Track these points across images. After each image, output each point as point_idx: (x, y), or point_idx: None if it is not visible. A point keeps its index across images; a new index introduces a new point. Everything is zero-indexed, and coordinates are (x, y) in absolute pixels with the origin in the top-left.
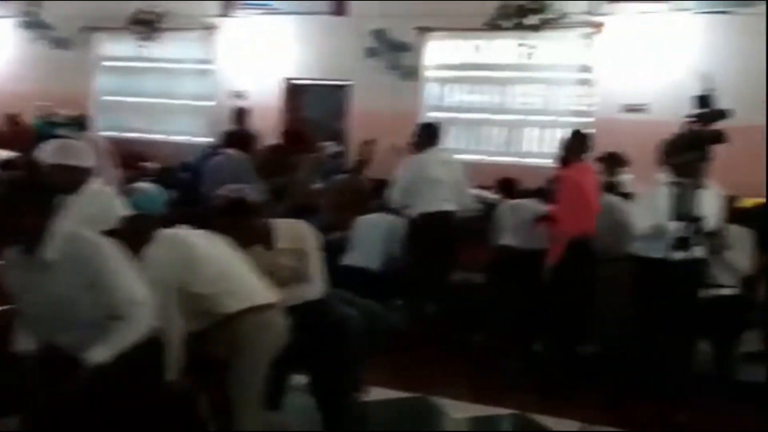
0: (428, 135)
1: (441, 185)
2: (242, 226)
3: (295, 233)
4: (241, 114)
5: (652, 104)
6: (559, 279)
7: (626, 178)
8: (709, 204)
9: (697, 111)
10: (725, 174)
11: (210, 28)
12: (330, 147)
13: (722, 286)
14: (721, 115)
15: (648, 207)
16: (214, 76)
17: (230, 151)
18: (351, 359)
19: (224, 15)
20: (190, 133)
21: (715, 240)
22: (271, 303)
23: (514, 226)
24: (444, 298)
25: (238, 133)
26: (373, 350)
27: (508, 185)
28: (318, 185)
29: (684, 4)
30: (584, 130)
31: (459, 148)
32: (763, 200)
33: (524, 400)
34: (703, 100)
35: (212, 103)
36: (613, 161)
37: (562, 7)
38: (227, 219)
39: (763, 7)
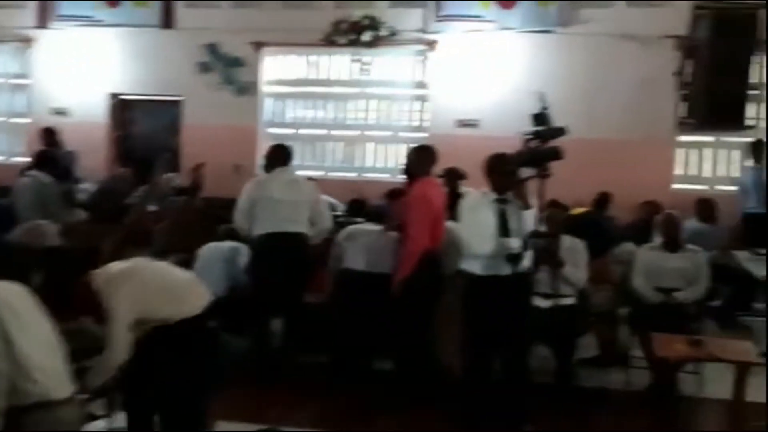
0: (277, 156)
1: (284, 206)
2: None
3: (106, 286)
4: (48, 133)
5: (483, 119)
6: (411, 293)
7: (466, 192)
8: (537, 218)
9: (535, 128)
10: (553, 186)
11: (26, 40)
12: (174, 178)
13: (559, 296)
14: (558, 132)
15: (480, 224)
16: (31, 91)
17: (36, 173)
18: (198, 398)
19: (42, 27)
20: (6, 153)
21: (546, 253)
22: (61, 399)
23: (358, 250)
24: (291, 321)
25: (45, 154)
26: (222, 383)
27: (358, 205)
28: (152, 208)
29: (509, 24)
30: (429, 145)
31: (299, 164)
32: (587, 209)
33: (378, 422)
34: (540, 118)
35: (29, 120)
36: (454, 176)
37: (396, 24)
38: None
39: (584, 27)
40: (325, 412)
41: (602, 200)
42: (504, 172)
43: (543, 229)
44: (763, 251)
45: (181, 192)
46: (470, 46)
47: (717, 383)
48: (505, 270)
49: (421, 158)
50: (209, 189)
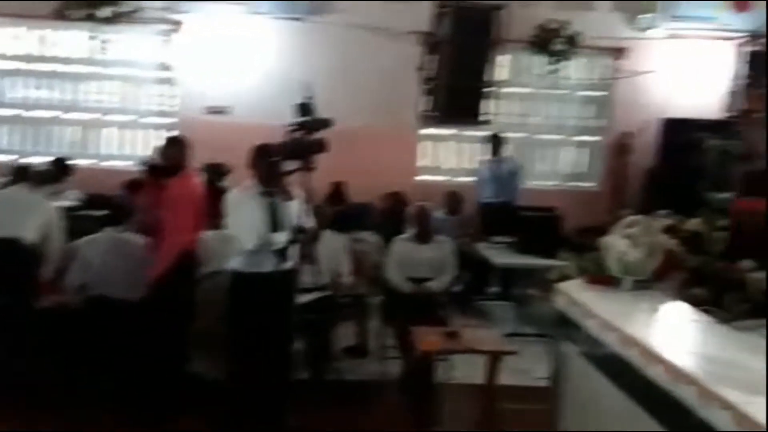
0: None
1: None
2: None
3: None
4: None
5: (234, 106)
6: (168, 294)
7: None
8: (301, 211)
9: (300, 119)
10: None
11: None
12: None
13: (316, 289)
14: (324, 123)
15: (247, 218)
16: None
17: None
18: None
19: None
20: None
21: (310, 246)
22: None
23: (101, 268)
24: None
25: None
26: None
27: (99, 200)
28: None
29: (260, 8)
30: (182, 136)
31: (26, 149)
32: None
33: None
34: (304, 108)
35: None
36: (216, 171)
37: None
38: None
39: (335, 16)
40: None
41: (337, 191)
42: (269, 164)
43: (312, 221)
44: (498, 239)
45: None
46: (219, 28)
47: (465, 368)
48: (272, 266)
49: (175, 151)
50: None
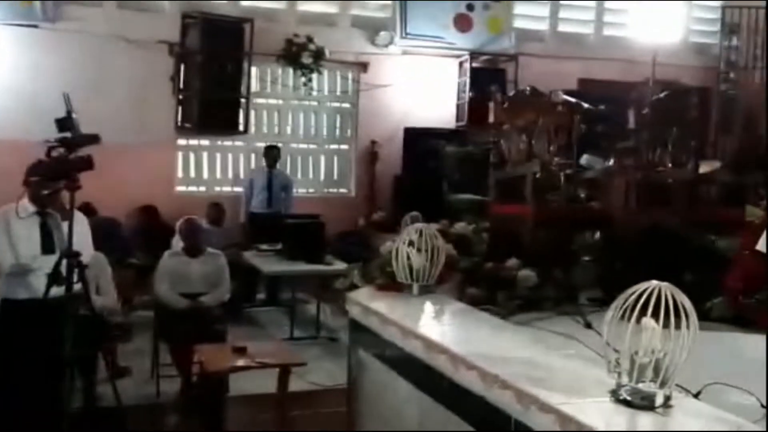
0: None
1: None
2: None
3: None
4: None
5: None
6: None
7: None
8: (79, 233)
9: (60, 135)
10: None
11: None
12: None
13: (85, 312)
14: (90, 140)
15: (6, 240)
16: None
17: None
18: None
19: None
20: None
21: (83, 268)
22: None
23: None
24: None
25: None
26: None
27: None
28: None
29: None
30: None
31: None
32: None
33: None
34: (65, 123)
35: None
36: None
37: None
38: None
39: (73, 24)
40: None
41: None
42: (35, 183)
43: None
44: (265, 247)
45: None
46: None
47: (253, 378)
48: (41, 290)
49: None
50: None
